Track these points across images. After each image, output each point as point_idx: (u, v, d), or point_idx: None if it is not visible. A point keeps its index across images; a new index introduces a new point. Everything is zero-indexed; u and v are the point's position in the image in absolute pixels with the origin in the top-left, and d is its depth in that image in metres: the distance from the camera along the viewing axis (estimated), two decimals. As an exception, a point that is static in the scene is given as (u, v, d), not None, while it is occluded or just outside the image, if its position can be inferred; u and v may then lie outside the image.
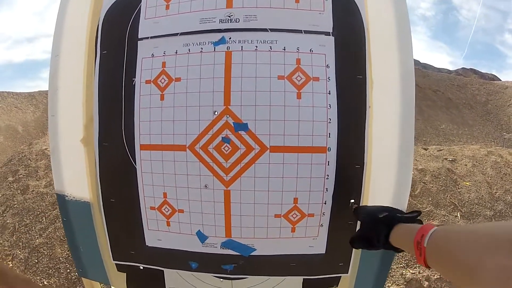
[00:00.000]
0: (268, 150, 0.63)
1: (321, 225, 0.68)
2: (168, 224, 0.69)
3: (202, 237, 0.68)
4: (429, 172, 2.65)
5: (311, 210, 0.66)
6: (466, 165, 2.85)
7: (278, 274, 0.71)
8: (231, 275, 0.71)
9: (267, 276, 0.71)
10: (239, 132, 0.62)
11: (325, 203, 0.66)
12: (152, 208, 0.68)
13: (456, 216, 2.35)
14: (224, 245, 0.68)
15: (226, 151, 0.63)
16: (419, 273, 1.86)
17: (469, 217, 2.40)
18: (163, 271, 0.73)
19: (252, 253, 0.68)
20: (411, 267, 1.91)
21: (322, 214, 0.67)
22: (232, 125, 0.62)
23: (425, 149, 3.15)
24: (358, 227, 0.68)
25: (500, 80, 9.16)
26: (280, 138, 0.63)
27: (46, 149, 2.92)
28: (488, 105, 6.86)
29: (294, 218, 0.66)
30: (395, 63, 0.70)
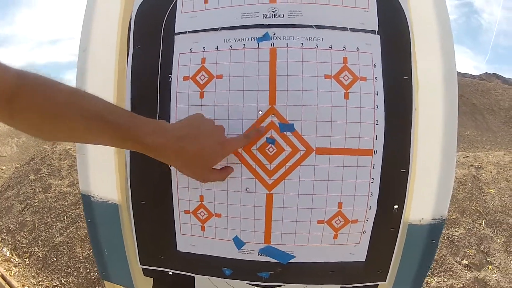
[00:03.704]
0: (314, 151, 0.59)
1: (364, 232, 0.64)
2: (203, 229, 0.65)
3: (239, 243, 0.64)
4: (456, 179, 2.62)
5: (355, 216, 0.63)
6: (491, 172, 2.84)
7: (316, 282, 0.67)
8: (266, 283, 0.67)
9: (304, 284, 0.68)
10: (285, 132, 0.59)
11: (370, 209, 0.63)
12: (186, 212, 0.65)
13: (480, 224, 2.34)
14: (262, 252, 0.64)
15: (271, 152, 0.60)
16: (443, 281, 1.84)
17: (493, 225, 2.38)
18: (193, 277, 0.70)
19: (290, 260, 0.65)
20: (436, 275, 1.89)
21: (366, 220, 0.63)
22: (278, 125, 0.59)
23: None
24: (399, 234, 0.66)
25: None
26: (326, 139, 0.59)
27: (70, 149, 2.87)
28: (511, 111, 6.86)
29: (337, 224, 0.63)
30: (439, 64, 0.68)
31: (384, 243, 0.67)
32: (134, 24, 0.68)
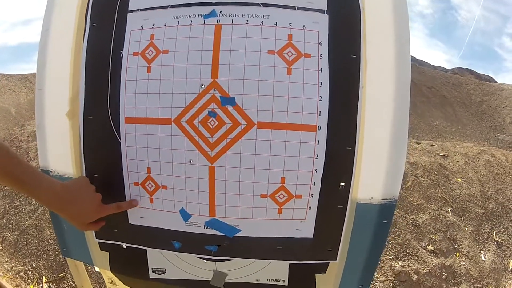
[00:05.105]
0: (255, 125, 0.61)
1: (309, 208, 0.66)
2: (152, 201, 0.67)
3: (185, 215, 0.66)
4: (421, 166, 2.64)
5: (299, 191, 0.64)
6: (458, 161, 2.85)
7: (264, 257, 0.69)
8: (214, 256, 0.69)
9: (253, 259, 0.69)
10: (226, 106, 0.61)
11: (314, 185, 0.64)
12: (135, 183, 0.67)
13: (447, 211, 2.33)
14: (208, 224, 0.66)
15: (212, 125, 0.61)
16: (408, 266, 1.84)
17: (460, 213, 2.38)
18: (146, 250, 0.71)
19: (236, 234, 0.66)
20: (401, 259, 1.89)
21: (310, 196, 0.65)
22: (219, 99, 0.61)
23: (418, 143, 3.14)
24: (347, 212, 0.67)
25: (496, 82, 9.11)
26: (268, 114, 0.61)
27: None
28: (483, 105, 6.86)
29: (281, 198, 0.64)
30: (390, 45, 0.68)
31: (332, 220, 0.68)
32: (92, 3, 0.70)
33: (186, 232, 0.67)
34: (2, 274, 1.76)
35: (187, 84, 0.61)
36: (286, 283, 0.72)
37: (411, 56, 0.72)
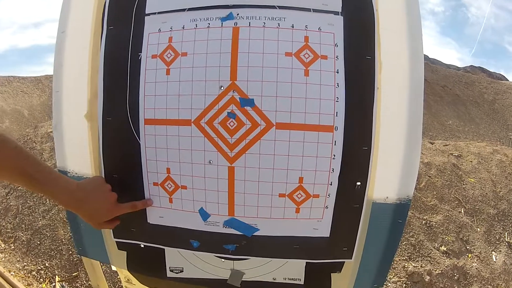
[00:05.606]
0: (274, 126, 0.62)
1: (326, 207, 0.66)
2: (171, 201, 0.68)
3: (204, 214, 0.67)
4: (435, 166, 2.63)
5: (317, 190, 0.65)
6: (471, 161, 2.84)
7: (281, 256, 0.70)
8: (233, 255, 0.70)
9: (270, 258, 0.70)
10: (245, 107, 0.61)
11: (331, 184, 0.65)
12: (155, 184, 0.68)
13: (460, 212, 2.33)
14: (227, 223, 0.67)
15: (232, 126, 0.62)
16: (421, 266, 1.84)
17: (473, 214, 2.38)
18: (164, 249, 0.73)
19: (255, 233, 0.67)
20: (414, 260, 1.89)
21: (327, 196, 0.65)
22: (238, 100, 0.61)
23: (431, 143, 3.13)
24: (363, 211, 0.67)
25: (508, 80, 9.08)
26: (286, 115, 0.62)
27: (51, 132, 2.90)
28: (495, 104, 6.82)
29: (299, 198, 0.65)
30: (404, 46, 0.69)
31: (348, 219, 0.68)
32: (108, 7, 0.71)
33: (205, 231, 0.68)
34: (13, 273, 1.78)
35: (206, 85, 0.62)
36: (302, 282, 0.72)
37: (424, 55, 0.73)
